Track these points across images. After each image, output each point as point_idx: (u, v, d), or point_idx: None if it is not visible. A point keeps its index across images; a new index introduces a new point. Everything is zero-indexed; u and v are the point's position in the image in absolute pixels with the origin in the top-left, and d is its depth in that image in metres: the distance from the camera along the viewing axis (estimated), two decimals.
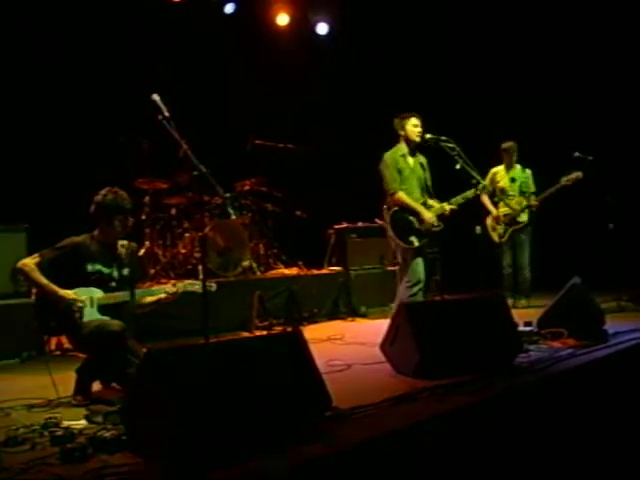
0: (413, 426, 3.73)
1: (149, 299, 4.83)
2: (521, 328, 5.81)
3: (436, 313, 5.16)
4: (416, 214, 6.45)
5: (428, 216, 6.44)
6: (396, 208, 6.48)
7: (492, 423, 4.09)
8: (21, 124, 8.01)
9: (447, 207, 6.50)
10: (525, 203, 8.26)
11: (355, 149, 10.10)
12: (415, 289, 6.42)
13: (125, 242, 4.88)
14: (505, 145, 8.46)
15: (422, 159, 6.71)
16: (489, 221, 8.42)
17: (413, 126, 6.56)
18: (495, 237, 8.36)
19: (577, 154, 7.98)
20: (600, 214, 7.90)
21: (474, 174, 6.32)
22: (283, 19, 10.73)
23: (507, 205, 8.24)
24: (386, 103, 9.69)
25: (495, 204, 8.42)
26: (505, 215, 8.31)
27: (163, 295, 4.81)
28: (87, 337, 4.44)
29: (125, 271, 4.77)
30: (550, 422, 4.34)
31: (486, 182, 8.27)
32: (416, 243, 6.42)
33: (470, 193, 6.49)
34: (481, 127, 9.87)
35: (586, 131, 9.45)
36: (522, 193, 8.40)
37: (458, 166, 6.29)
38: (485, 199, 8.33)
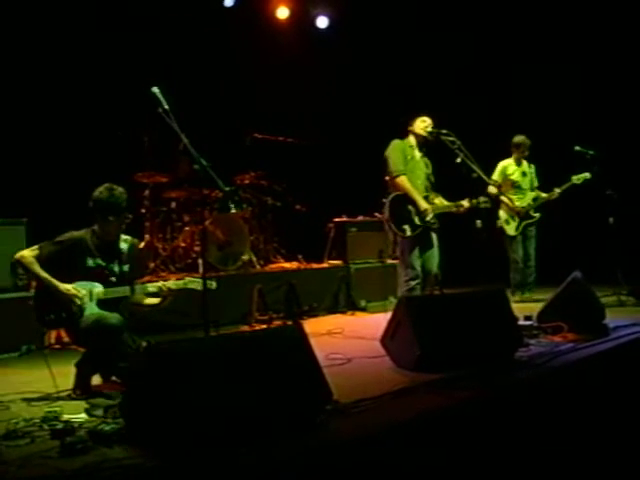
0: (413, 420, 3.73)
1: (147, 301, 4.80)
2: (521, 322, 5.80)
3: (436, 307, 5.16)
4: (414, 203, 6.43)
5: (424, 207, 6.41)
6: (397, 193, 6.47)
7: (492, 417, 4.08)
8: (21, 118, 7.99)
9: (466, 204, 6.46)
10: (543, 196, 8.26)
11: (355, 143, 10.09)
12: (413, 283, 6.41)
13: (128, 237, 4.87)
14: (517, 139, 8.41)
15: (427, 160, 6.72)
16: (503, 214, 8.38)
17: (422, 122, 6.58)
18: (511, 231, 8.34)
19: (578, 148, 7.99)
20: (601, 208, 7.90)
21: (475, 167, 6.30)
22: (283, 12, 10.70)
23: (520, 199, 8.27)
24: (386, 96, 9.71)
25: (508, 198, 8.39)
26: (521, 208, 8.30)
27: (156, 300, 4.76)
28: (85, 331, 4.44)
29: (125, 267, 4.76)
30: (550, 416, 4.33)
31: (495, 176, 8.33)
32: (408, 232, 6.39)
33: (480, 200, 6.44)
34: (484, 122, 9.86)
35: (587, 126, 9.43)
36: (533, 188, 8.42)
37: (459, 160, 6.27)
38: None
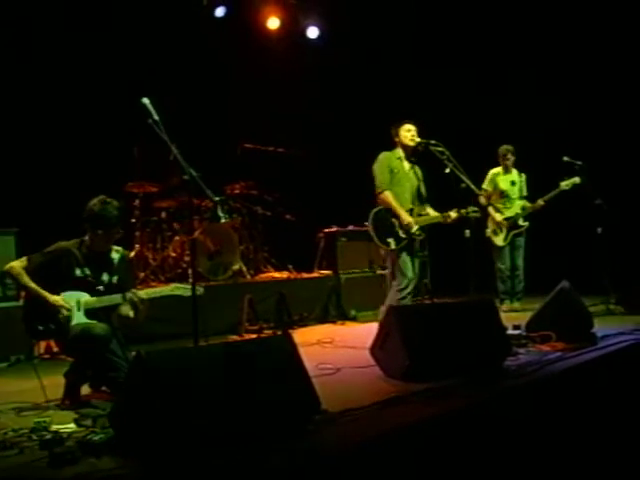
0: (402, 430, 3.74)
1: (124, 312, 4.73)
2: (510, 331, 5.81)
3: (425, 317, 5.16)
4: (398, 217, 6.46)
5: (407, 221, 6.42)
6: (380, 207, 6.51)
7: (481, 426, 4.10)
8: (12, 129, 7.99)
9: (453, 215, 6.46)
10: (529, 205, 8.31)
11: (345, 152, 10.12)
12: (404, 292, 6.42)
13: (119, 248, 4.86)
14: (501, 149, 8.46)
15: (417, 169, 6.74)
16: (491, 225, 8.43)
17: (406, 131, 6.59)
18: (499, 241, 8.38)
19: (566, 159, 8.03)
20: (589, 218, 7.94)
21: (464, 178, 6.33)
22: (274, 23, 10.74)
23: (507, 209, 8.33)
24: (377, 106, 9.75)
25: (496, 207, 8.43)
26: (507, 219, 8.35)
27: (132, 312, 4.65)
28: (72, 341, 4.44)
29: (114, 278, 4.75)
30: (539, 425, 4.35)
31: (485, 184, 8.39)
32: (393, 245, 6.41)
33: (469, 210, 6.44)
34: (475, 131, 9.90)
35: (576, 135, 9.48)
36: (522, 197, 8.46)
37: (447, 170, 6.30)
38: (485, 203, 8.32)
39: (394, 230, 6.44)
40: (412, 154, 6.65)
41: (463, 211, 6.42)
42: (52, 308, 4.48)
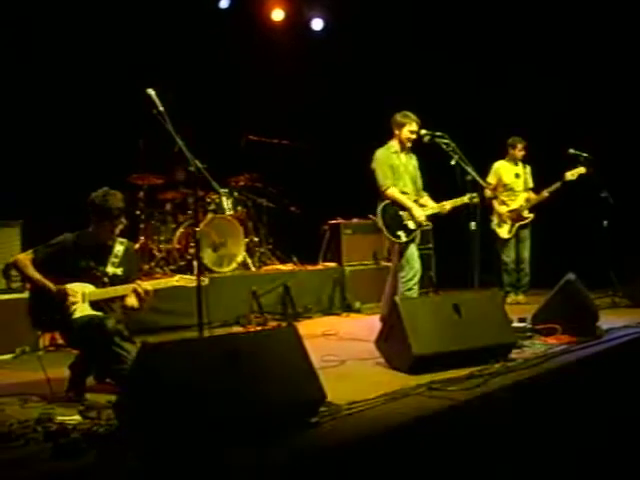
0: (407, 422, 3.74)
1: (129, 303, 4.68)
2: (515, 324, 5.81)
3: (430, 309, 5.17)
4: (407, 210, 6.47)
5: (418, 214, 6.46)
6: (387, 201, 6.50)
7: (486, 419, 4.09)
8: (16, 120, 7.98)
9: (447, 206, 6.50)
10: (533, 197, 8.28)
11: (349, 145, 10.09)
12: (411, 283, 6.44)
13: (124, 240, 4.86)
14: (513, 139, 8.42)
15: (413, 158, 6.74)
16: (494, 218, 8.40)
17: (409, 132, 6.57)
18: (504, 234, 8.35)
19: (572, 151, 8.00)
20: (595, 211, 7.91)
21: (469, 170, 6.31)
22: (278, 14, 10.73)
23: (512, 201, 8.30)
24: (381, 98, 9.71)
25: (501, 200, 8.40)
26: (511, 211, 8.32)
27: (136, 304, 4.63)
28: (77, 333, 4.44)
29: (119, 269, 4.75)
30: (544, 418, 4.35)
31: (490, 177, 8.35)
32: (403, 238, 6.44)
33: (465, 199, 6.43)
34: (479, 122, 9.86)
35: (582, 128, 9.44)
36: (526, 189, 8.42)
37: (453, 162, 6.28)
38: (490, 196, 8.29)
39: (403, 223, 6.47)
40: (407, 147, 6.66)
41: (466, 199, 6.39)
42: (57, 299, 4.48)
